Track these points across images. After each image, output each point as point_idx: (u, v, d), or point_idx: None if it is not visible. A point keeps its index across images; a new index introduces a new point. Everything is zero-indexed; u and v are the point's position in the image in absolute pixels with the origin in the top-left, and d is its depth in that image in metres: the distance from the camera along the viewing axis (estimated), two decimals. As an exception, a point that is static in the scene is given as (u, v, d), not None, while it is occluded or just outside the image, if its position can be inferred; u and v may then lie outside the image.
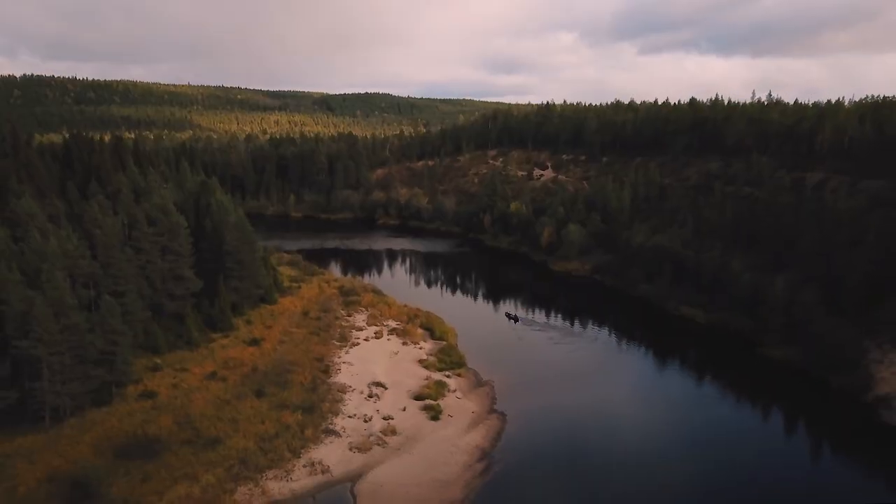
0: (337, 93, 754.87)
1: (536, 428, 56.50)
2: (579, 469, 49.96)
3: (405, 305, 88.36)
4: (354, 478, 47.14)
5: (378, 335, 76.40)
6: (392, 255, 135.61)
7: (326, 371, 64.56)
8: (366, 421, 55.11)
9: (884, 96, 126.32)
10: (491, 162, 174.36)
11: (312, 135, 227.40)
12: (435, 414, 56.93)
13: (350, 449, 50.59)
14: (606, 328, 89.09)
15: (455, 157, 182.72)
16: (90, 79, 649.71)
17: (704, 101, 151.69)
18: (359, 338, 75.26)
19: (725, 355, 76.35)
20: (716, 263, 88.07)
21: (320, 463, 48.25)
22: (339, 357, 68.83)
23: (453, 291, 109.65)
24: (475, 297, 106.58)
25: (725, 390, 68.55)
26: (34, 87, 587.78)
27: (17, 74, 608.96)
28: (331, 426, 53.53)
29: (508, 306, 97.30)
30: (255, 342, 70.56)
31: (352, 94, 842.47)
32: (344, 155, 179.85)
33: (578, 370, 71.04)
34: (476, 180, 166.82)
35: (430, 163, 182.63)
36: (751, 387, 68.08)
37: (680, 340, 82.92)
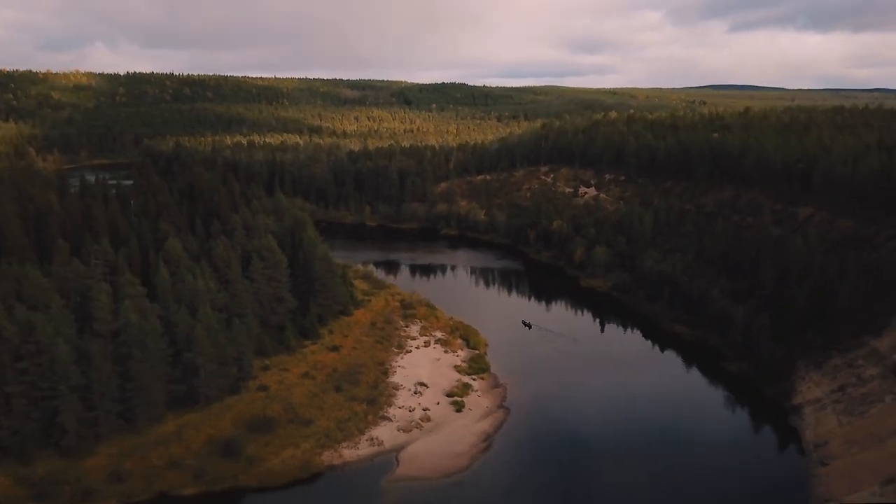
0: (418, 80, 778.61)
1: (530, 420, 79.35)
2: (555, 447, 72.81)
3: (451, 318, 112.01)
4: (399, 449, 71.58)
5: (426, 344, 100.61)
6: (446, 269, 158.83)
7: (385, 373, 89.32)
8: (410, 411, 79.41)
9: None
10: (542, 178, 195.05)
11: (387, 146, 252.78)
12: (459, 407, 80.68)
13: (397, 430, 75.08)
14: (610, 339, 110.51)
15: (511, 172, 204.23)
16: (185, 74, 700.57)
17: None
18: (411, 346, 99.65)
19: (699, 367, 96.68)
20: (701, 289, 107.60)
21: (377, 438, 72.95)
22: (396, 362, 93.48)
23: (492, 303, 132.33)
24: (510, 307, 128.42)
25: (691, 394, 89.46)
26: (136, 84, 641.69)
27: (120, 69, 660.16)
28: (385, 414, 78.21)
29: (533, 315, 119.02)
30: (335, 349, 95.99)
31: (429, 83, 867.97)
32: (412, 172, 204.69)
33: (576, 374, 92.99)
34: (528, 195, 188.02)
35: (488, 177, 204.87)
36: (708, 393, 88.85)
37: (666, 352, 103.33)
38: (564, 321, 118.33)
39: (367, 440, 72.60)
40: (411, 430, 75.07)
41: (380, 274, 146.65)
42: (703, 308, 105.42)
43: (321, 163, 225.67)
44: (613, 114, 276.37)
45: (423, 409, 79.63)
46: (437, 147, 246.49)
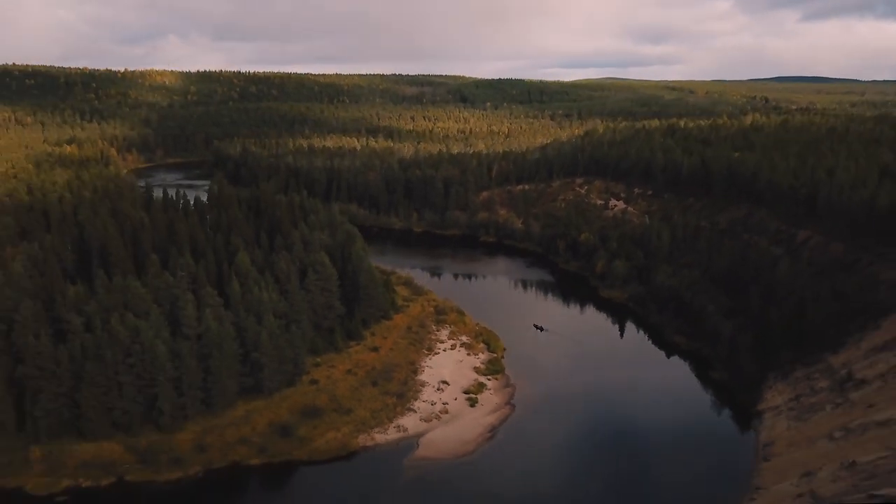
0: (480, 73, 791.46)
1: (532, 415, 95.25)
2: (550, 437, 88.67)
3: (477, 324, 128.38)
4: (419, 435, 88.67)
5: (453, 347, 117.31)
6: (480, 277, 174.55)
7: (415, 371, 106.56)
8: (431, 404, 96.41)
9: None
10: (577, 189, 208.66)
11: (436, 152, 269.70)
12: (472, 403, 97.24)
13: (420, 420, 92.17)
14: (616, 345, 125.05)
15: (549, 182, 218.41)
16: (251, 71, 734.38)
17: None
18: (439, 349, 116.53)
19: (690, 373, 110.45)
20: (701, 305, 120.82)
21: (402, 426, 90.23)
22: (424, 362, 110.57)
23: (516, 309, 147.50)
24: (531, 314, 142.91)
25: (678, 396, 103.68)
26: (206, 83, 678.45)
27: (192, 65, 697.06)
28: (411, 406, 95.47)
29: (552, 321, 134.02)
30: (375, 349, 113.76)
31: (487, 79, 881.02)
32: (456, 181, 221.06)
33: (578, 375, 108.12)
34: (563, 205, 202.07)
35: (527, 187, 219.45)
36: (692, 396, 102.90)
37: (664, 359, 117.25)
38: (578, 327, 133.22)
39: (394, 427, 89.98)
40: (431, 421, 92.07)
41: (422, 278, 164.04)
42: (700, 322, 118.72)
43: (374, 170, 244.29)
44: (655, 122, 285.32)
45: (443, 404, 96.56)
46: (483, 153, 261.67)
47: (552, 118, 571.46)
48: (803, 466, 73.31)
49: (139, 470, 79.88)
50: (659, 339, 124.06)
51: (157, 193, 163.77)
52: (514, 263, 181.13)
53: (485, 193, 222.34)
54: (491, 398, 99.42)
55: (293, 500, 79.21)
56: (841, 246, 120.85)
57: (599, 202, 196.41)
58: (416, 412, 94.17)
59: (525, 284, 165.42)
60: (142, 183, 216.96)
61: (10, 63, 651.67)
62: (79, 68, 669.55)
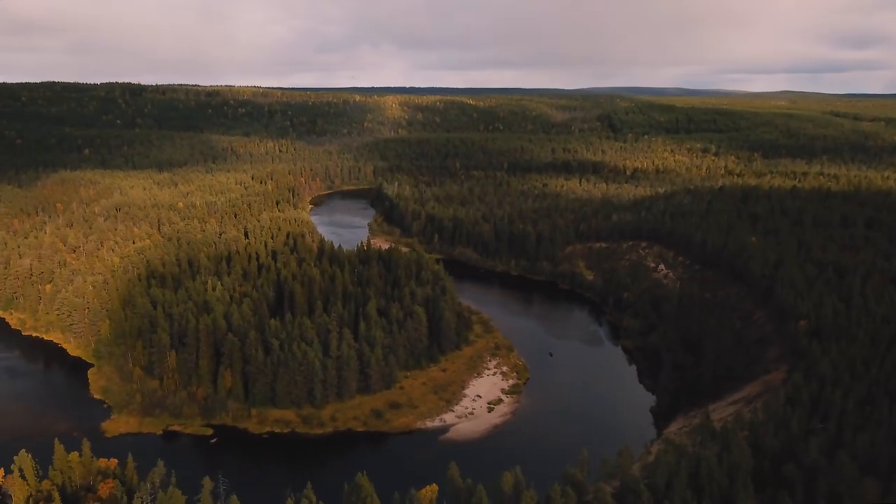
0: (656, 83, 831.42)
1: (522, 421, 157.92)
2: (525, 432, 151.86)
3: (518, 359, 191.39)
4: (452, 426, 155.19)
5: (494, 373, 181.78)
6: (541, 319, 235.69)
7: (462, 387, 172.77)
8: (465, 408, 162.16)
9: None
10: (640, 251, 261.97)
11: (540, 206, 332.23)
12: (490, 410, 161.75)
13: (455, 416, 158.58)
14: (608, 381, 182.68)
15: (621, 242, 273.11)
16: (466, 100, 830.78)
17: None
18: (485, 374, 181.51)
19: (645, 396, 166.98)
20: (663, 357, 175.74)
21: (443, 419, 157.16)
22: (472, 382, 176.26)
23: (552, 347, 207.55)
24: (563, 353, 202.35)
25: (632, 407, 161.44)
26: (427, 113, 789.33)
27: (393, 81, 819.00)
28: (452, 409, 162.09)
29: (572, 358, 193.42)
30: (443, 370, 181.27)
31: (635, 104, 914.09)
32: (546, 236, 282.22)
33: (566, 398, 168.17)
34: (625, 264, 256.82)
35: (604, 245, 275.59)
36: (638, 405, 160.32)
37: (638, 397, 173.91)
38: (589, 365, 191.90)
39: (439, 419, 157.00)
40: (461, 418, 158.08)
41: (498, 315, 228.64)
42: (658, 370, 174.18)
43: (488, 223, 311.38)
44: (737, 181, 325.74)
45: (472, 409, 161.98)
46: (570, 209, 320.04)
47: (689, 150, 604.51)
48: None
49: (301, 426, 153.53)
50: (642, 375, 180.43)
51: (327, 235, 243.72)
52: (571, 311, 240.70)
53: (570, 248, 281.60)
54: (503, 408, 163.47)
55: (379, 451, 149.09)
56: (773, 328, 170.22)
57: (652, 265, 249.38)
58: (454, 412, 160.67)
59: (572, 329, 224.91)
60: (318, 218, 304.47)
61: (224, 84, 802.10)
62: (288, 89, 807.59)
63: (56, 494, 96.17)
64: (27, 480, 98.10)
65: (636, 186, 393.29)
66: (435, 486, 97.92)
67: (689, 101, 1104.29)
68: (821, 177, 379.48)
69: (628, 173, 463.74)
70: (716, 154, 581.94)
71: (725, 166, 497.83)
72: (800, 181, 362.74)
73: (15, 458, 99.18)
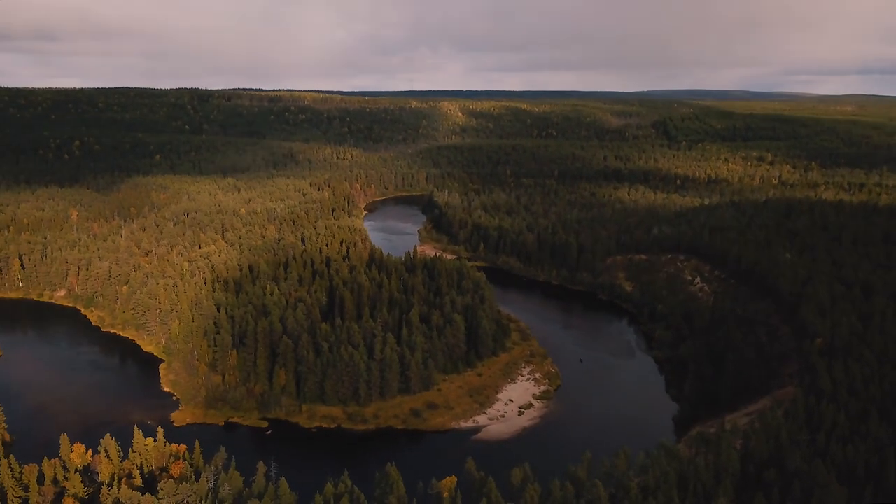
0: (720, 86, 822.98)
1: (548, 425, 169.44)
2: (550, 435, 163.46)
3: (551, 366, 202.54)
4: (484, 426, 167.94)
5: (527, 380, 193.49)
6: (579, 330, 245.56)
7: (496, 391, 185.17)
8: (497, 411, 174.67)
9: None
10: (678, 264, 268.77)
11: (583, 217, 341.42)
12: (520, 413, 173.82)
13: (487, 419, 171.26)
14: (635, 390, 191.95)
15: (660, 255, 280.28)
16: (529, 108, 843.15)
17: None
18: (519, 380, 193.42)
19: (673, 399, 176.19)
20: (693, 370, 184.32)
21: (477, 420, 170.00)
22: (505, 387, 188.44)
23: (584, 357, 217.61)
24: (592, 362, 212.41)
25: (659, 410, 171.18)
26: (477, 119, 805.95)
27: (451, 84, 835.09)
28: (485, 411, 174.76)
29: (603, 366, 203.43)
30: (479, 375, 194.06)
31: (695, 109, 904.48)
32: (588, 248, 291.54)
33: (590, 407, 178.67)
34: (663, 277, 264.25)
35: (643, 257, 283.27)
36: (665, 409, 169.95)
37: (663, 404, 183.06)
38: (618, 376, 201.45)
39: (472, 420, 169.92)
40: (493, 420, 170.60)
41: (536, 325, 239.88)
42: (684, 380, 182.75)
43: (532, 233, 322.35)
44: (801, 196, 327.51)
45: (504, 412, 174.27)
46: (613, 224, 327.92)
47: (744, 159, 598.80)
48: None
49: (347, 422, 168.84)
50: (669, 384, 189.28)
51: (378, 241, 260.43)
52: (608, 322, 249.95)
53: (610, 259, 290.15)
54: (532, 412, 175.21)
55: (415, 447, 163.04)
56: (792, 338, 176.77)
57: (689, 278, 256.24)
58: (486, 414, 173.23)
59: (607, 339, 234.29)
60: (371, 224, 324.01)
61: (286, 89, 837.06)
62: (348, 93, 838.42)
63: (136, 472, 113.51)
64: (111, 460, 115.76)
65: (684, 196, 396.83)
66: (454, 478, 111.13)
67: (749, 107, 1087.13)
68: (877, 188, 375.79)
69: (678, 182, 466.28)
70: (771, 163, 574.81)
71: (780, 176, 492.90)
72: (854, 193, 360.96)
73: (101, 440, 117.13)
